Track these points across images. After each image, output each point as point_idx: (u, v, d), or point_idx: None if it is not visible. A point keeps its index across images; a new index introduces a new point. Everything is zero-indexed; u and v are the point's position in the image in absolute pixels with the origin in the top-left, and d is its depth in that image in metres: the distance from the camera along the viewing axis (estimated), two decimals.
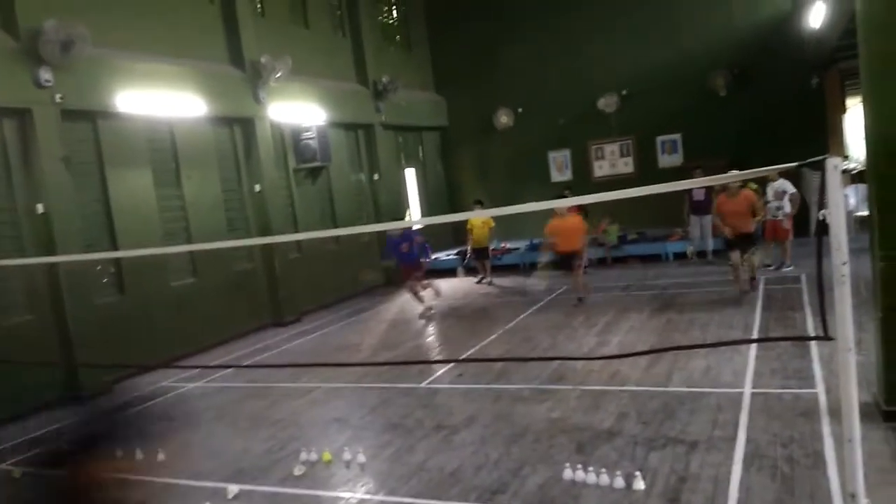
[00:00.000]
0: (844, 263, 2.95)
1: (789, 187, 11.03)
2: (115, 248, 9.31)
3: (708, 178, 4.45)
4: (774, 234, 11.27)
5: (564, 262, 10.59)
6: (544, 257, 11.22)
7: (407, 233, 10.86)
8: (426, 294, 11.23)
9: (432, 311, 11.10)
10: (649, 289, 11.23)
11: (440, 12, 18.16)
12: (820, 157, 2.95)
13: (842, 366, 3.02)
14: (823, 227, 3.06)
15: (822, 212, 3.06)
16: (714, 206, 10.03)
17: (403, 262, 11.11)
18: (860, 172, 10.93)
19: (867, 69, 4.88)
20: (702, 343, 7.52)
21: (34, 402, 7.99)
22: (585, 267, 10.76)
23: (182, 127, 10.63)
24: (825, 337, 3.21)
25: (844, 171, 2.87)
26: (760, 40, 14.90)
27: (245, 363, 9.25)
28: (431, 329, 10.34)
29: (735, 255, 9.55)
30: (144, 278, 9.64)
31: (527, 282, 12.19)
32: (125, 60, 9.48)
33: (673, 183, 3.58)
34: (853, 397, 3.00)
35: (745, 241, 9.48)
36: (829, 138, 14.74)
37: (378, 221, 14.87)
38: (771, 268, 11.30)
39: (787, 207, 11.02)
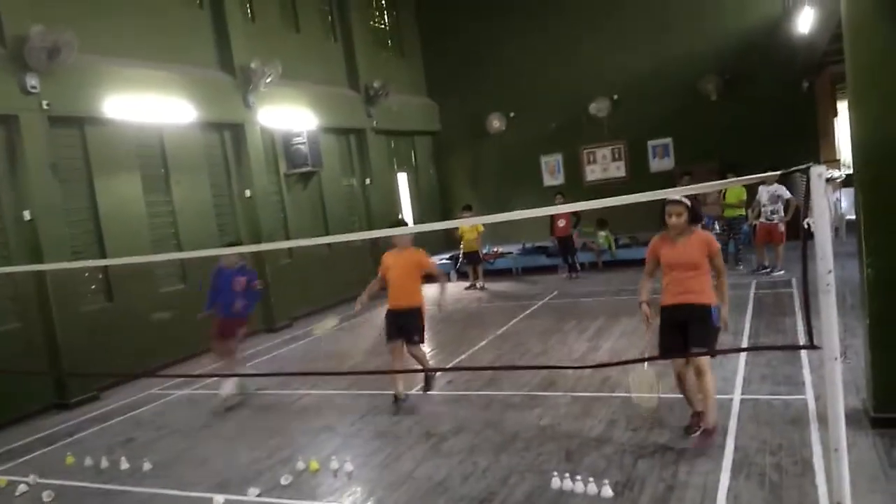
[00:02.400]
0: (830, 272, 2.92)
1: (785, 192, 11.01)
2: (104, 256, 9.24)
3: (695, 185, 4.43)
4: (769, 238, 11.26)
5: (394, 324, 6.76)
6: None
7: (244, 266, 7.76)
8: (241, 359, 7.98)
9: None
10: None
11: (432, 18, 18.18)
12: (804, 166, 2.92)
13: (828, 375, 3.00)
14: (809, 234, 3.04)
15: (807, 220, 3.03)
16: (649, 249, 5.46)
17: (228, 310, 7.48)
18: (850, 176, 10.97)
19: (853, 75, 4.87)
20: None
21: (19, 411, 7.93)
22: (417, 342, 6.70)
23: (171, 132, 10.57)
24: (811, 346, 3.19)
25: (829, 180, 2.84)
26: (751, 45, 14.96)
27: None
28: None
29: (678, 363, 5.09)
30: (133, 285, 9.57)
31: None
32: (113, 66, 9.43)
33: (658, 191, 3.55)
34: (839, 407, 2.98)
35: (692, 325, 4.90)
36: (820, 141, 14.82)
37: (370, 227, 14.84)
38: (764, 271, 11.30)
39: (783, 212, 11.03)
